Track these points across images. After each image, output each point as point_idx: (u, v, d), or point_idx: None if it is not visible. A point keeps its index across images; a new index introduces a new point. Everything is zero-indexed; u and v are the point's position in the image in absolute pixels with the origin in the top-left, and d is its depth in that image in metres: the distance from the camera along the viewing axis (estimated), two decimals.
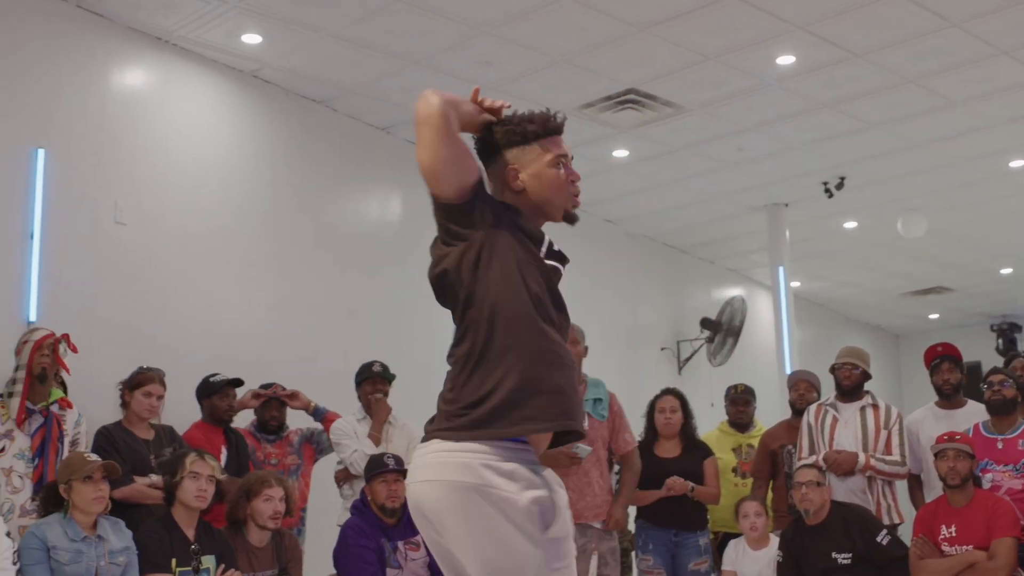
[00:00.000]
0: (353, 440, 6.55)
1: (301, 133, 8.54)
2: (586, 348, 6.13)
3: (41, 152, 6.70)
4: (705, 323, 12.40)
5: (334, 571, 6.05)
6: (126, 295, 7.02)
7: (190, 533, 5.38)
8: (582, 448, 5.75)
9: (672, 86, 8.49)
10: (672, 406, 6.92)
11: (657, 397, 7.06)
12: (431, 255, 2.96)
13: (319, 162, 8.63)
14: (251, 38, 7.65)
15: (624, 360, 11.24)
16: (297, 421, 6.98)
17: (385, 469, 5.93)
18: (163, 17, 7.31)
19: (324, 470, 6.99)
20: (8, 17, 6.75)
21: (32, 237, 6.59)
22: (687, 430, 6.96)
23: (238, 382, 6.60)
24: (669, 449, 6.88)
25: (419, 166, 2.89)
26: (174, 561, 5.26)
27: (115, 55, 7.35)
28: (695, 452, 6.90)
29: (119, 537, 5.22)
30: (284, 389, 6.86)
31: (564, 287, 2.99)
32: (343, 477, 6.66)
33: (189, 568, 5.29)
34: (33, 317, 6.45)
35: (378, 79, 8.33)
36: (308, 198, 8.48)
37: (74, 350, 5.85)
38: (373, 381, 6.75)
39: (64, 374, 5.83)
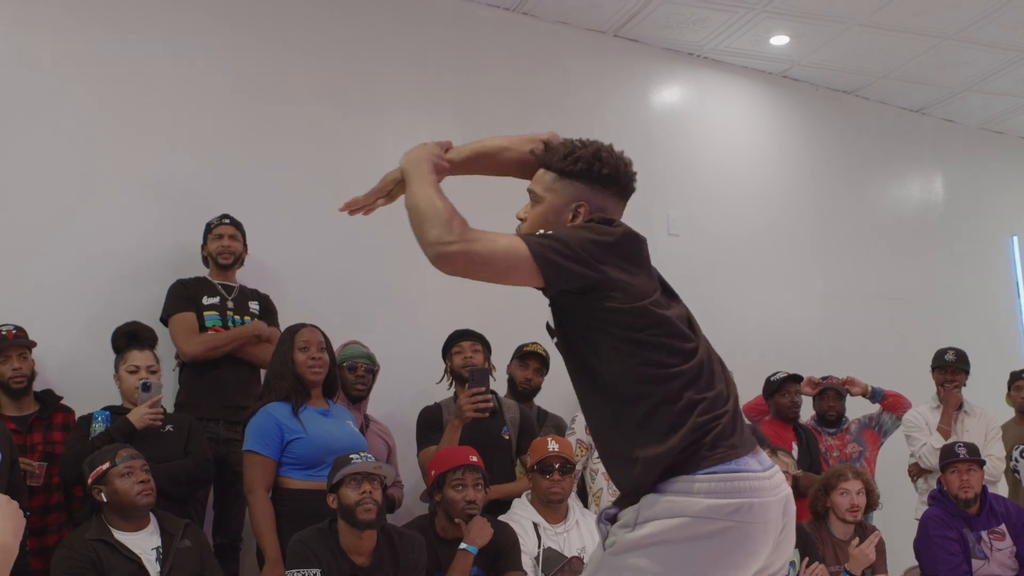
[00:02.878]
0: (923, 433, 6.49)
1: (835, 126, 8.55)
2: None
3: None
4: None
5: (915, 563, 6.02)
6: (686, 302, 7.33)
7: None
8: None
9: None
10: None
11: None
12: None
13: (856, 152, 8.61)
14: (779, 39, 7.78)
15: None
16: (855, 411, 7.01)
17: (956, 459, 5.82)
18: (693, 33, 7.62)
19: (895, 463, 6.93)
20: (555, 55, 7.34)
21: None
22: None
23: (797, 378, 6.73)
24: None
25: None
26: None
27: (652, 76, 7.76)
28: None
29: None
30: (839, 379, 6.92)
31: None
32: (916, 472, 6.60)
33: None
34: None
35: (908, 61, 8.17)
36: (849, 189, 8.48)
37: None
38: (944, 370, 6.65)
39: None
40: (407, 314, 6.35)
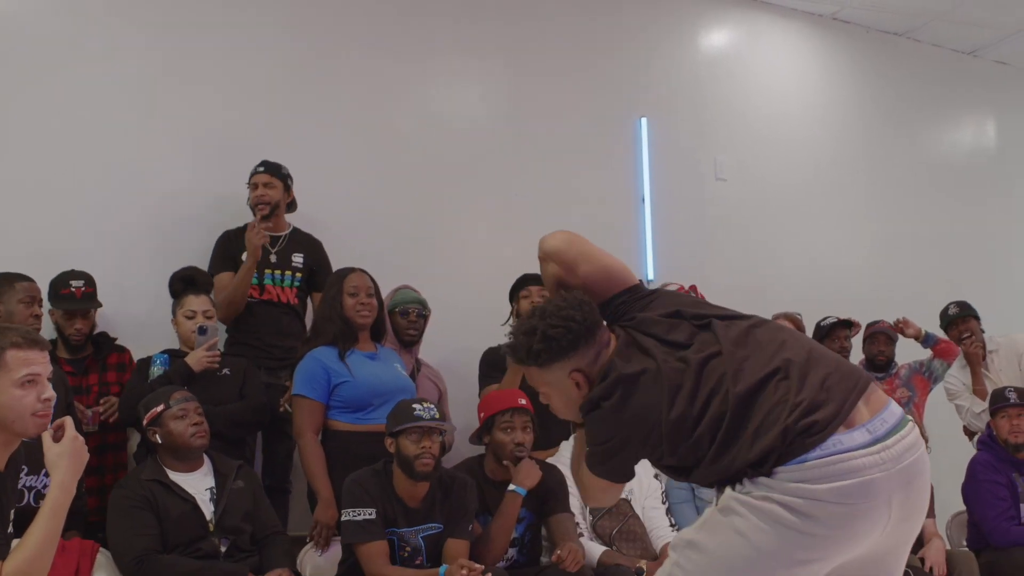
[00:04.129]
0: (964, 398, 6.50)
1: (886, 69, 8.46)
2: None
3: (644, 121, 7.19)
4: None
5: (962, 508, 6.02)
6: (733, 247, 7.35)
7: None
8: None
9: None
10: None
11: None
12: None
13: (907, 96, 8.51)
14: None
15: None
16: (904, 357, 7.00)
17: (1006, 403, 5.80)
18: None
19: (944, 409, 6.92)
20: (607, 0, 7.29)
21: (643, 201, 7.10)
22: None
23: (847, 323, 6.72)
24: None
25: None
26: None
27: (701, 20, 7.72)
28: None
29: None
30: (891, 323, 6.89)
31: None
32: (970, 434, 6.64)
33: None
34: (651, 275, 6.95)
35: (960, 3, 8.04)
36: (900, 133, 8.39)
37: (702, 298, 6.21)
38: (953, 326, 6.74)
39: None
40: (457, 260, 6.38)
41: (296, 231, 5.69)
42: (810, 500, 2.46)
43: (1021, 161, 8.93)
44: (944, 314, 6.83)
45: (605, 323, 2.84)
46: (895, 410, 2.62)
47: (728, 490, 2.60)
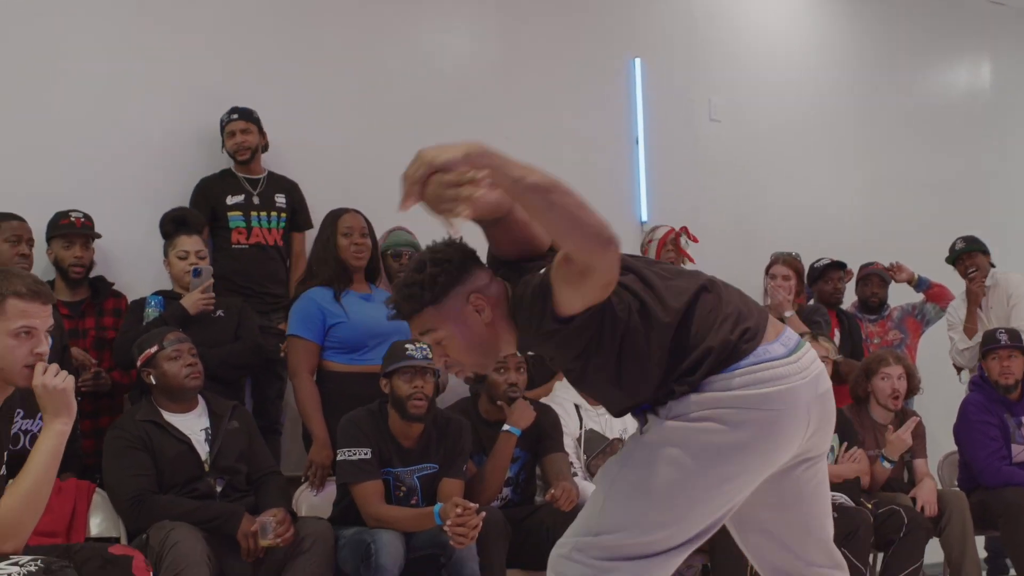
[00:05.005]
0: (956, 330, 6.54)
1: (880, 9, 8.38)
2: None
3: (638, 61, 7.12)
4: None
5: (954, 448, 6.06)
6: (726, 189, 7.32)
7: None
8: None
9: None
10: None
11: None
12: None
13: (901, 37, 8.44)
14: None
15: None
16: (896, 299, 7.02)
17: (997, 345, 5.83)
18: None
19: (936, 349, 6.95)
20: None
21: (637, 142, 7.06)
22: None
23: (841, 265, 6.73)
24: None
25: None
26: None
27: None
28: None
29: None
30: (885, 266, 6.90)
31: None
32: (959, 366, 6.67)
33: None
34: (645, 217, 6.93)
35: None
36: (894, 75, 8.33)
37: (694, 240, 6.23)
38: (960, 261, 6.71)
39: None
40: None
41: (271, 173, 5.67)
42: (740, 409, 2.54)
43: (1016, 103, 8.86)
44: (951, 250, 6.78)
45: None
46: (792, 331, 2.73)
47: (653, 417, 2.63)
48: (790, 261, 6.33)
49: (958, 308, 6.71)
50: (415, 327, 2.70)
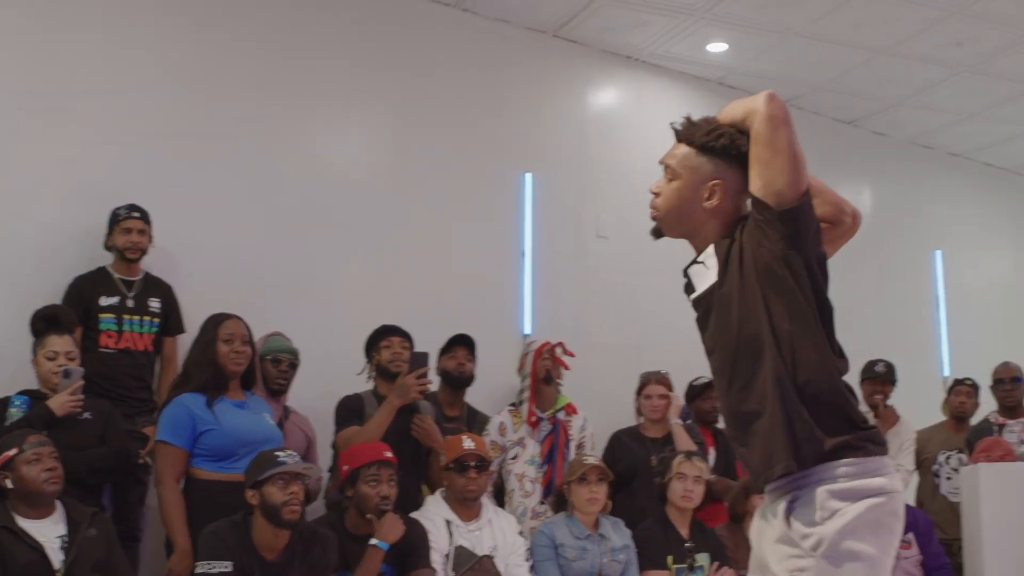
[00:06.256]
0: None
1: None
2: None
3: (529, 176, 7.24)
4: None
5: None
6: (611, 304, 7.41)
7: (684, 531, 5.61)
8: None
9: None
10: None
11: None
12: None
13: None
14: (717, 47, 7.84)
15: None
16: None
17: None
18: (633, 36, 7.66)
19: None
20: (495, 56, 7.36)
21: (524, 255, 7.14)
22: None
23: None
24: None
25: (788, 171, 2.65)
26: (670, 559, 5.52)
27: (590, 78, 7.80)
28: None
29: (619, 535, 5.53)
30: None
31: None
32: None
33: (684, 565, 5.53)
34: (529, 330, 6.97)
35: (843, 73, 8.26)
36: None
37: (570, 355, 6.27)
38: (873, 381, 7.02)
39: (566, 373, 6.26)
40: (331, 309, 6.33)
41: (148, 275, 5.64)
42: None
43: (894, 230, 9.12)
44: (869, 367, 7.06)
45: None
46: None
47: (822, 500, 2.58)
48: (663, 380, 6.38)
49: None
50: (672, 152, 2.82)
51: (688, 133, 2.81)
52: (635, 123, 7.93)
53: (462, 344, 6.01)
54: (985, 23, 7.45)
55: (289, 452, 4.47)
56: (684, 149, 2.81)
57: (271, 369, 5.54)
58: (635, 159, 7.80)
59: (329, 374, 5.92)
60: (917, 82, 8.40)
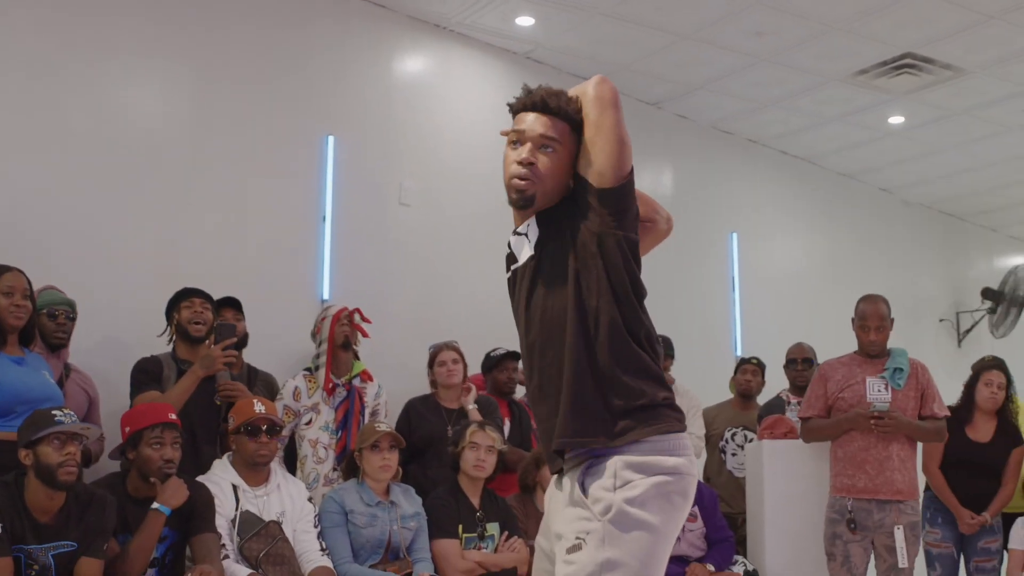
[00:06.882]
0: None
1: None
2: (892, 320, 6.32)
3: (331, 139, 7.10)
4: (987, 293, 11.87)
5: None
6: (411, 273, 7.36)
7: (475, 501, 5.63)
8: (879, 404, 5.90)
9: (952, 48, 8.15)
10: (1000, 382, 6.64)
11: (983, 368, 6.78)
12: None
13: None
14: (524, 20, 7.85)
15: (901, 332, 10.90)
16: None
17: None
18: (441, 4, 7.59)
19: None
20: (298, 13, 7.17)
21: (324, 220, 7.01)
22: (1004, 411, 6.71)
23: (516, 355, 6.83)
24: (982, 431, 6.64)
25: (609, 152, 2.77)
26: (461, 527, 5.53)
27: (396, 43, 7.69)
28: (1006, 439, 6.62)
29: (410, 503, 5.51)
30: None
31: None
32: None
33: (475, 534, 5.55)
34: (327, 295, 6.86)
35: (648, 55, 8.38)
36: None
37: (367, 321, 6.20)
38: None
39: (363, 340, 6.20)
40: (122, 264, 6.08)
41: None
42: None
43: (692, 211, 9.29)
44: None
45: None
46: None
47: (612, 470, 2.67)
48: (454, 347, 6.38)
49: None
50: (544, 125, 2.85)
51: (559, 107, 2.86)
52: (441, 92, 7.89)
53: (229, 306, 5.92)
54: (785, 16, 7.66)
55: (67, 411, 4.32)
56: (559, 123, 2.85)
57: (48, 323, 5.30)
58: (440, 128, 7.78)
59: (118, 331, 5.70)
60: (718, 68, 8.59)
